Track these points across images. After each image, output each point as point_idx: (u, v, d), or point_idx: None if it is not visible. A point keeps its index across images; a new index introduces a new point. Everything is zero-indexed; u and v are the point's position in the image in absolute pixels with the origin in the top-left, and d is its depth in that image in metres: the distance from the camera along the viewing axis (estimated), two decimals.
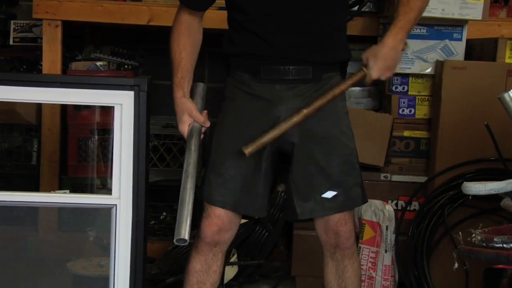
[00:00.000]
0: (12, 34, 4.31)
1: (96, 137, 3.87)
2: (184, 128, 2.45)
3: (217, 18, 3.06)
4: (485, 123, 2.99)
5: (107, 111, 3.75)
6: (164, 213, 3.90)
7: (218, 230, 2.45)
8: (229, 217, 2.45)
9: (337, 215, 2.44)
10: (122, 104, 2.36)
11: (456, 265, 2.84)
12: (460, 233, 2.47)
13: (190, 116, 2.45)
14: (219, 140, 2.48)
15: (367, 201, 2.57)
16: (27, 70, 4.04)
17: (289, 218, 2.64)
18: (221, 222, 2.44)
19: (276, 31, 2.38)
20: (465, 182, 2.59)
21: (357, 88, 3.71)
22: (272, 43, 2.38)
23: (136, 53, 4.19)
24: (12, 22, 4.36)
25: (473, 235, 2.16)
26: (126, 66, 3.98)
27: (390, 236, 3.31)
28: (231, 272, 3.33)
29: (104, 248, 2.60)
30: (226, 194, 2.43)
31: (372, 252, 3.32)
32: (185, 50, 2.48)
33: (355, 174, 2.47)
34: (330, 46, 2.44)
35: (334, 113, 2.46)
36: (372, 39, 3.63)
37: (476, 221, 3.15)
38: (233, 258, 3.34)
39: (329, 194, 2.42)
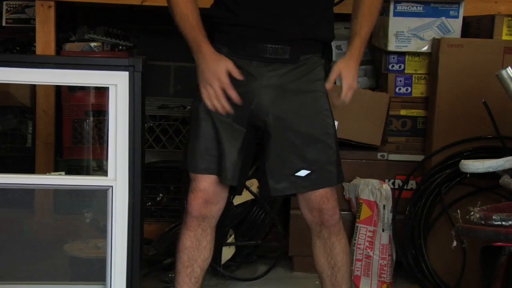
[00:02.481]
0: (4, 15, 4.28)
1: (91, 118, 3.86)
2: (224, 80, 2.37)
3: None
4: (483, 100, 2.98)
5: (102, 93, 3.74)
6: (161, 195, 3.90)
7: (204, 203, 2.46)
8: (214, 189, 2.46)
9: (319, 192, 2.45)
10: (117, 84, 2.36)
11: (455, 243, 2.84)
12: (458, 211, 2.46)
13: (229, 71, 2.38)
14: (196, 110, 2.47)
15: (343, 180, 2.58)
16: (20, 51, 4.02)
17: (263, 194, 2.65)
18: (207, 194, 2.46)
19: (256, 8, 2.37)
20: (462, 160, 2.58)
21: None
22: (251, 20, 2.38)
23: (130, 34, 4.16)
24: (4, 3, 4.33)
25: (472, 213, 2.15)
26: (120, 47, 3.96)
27: (387, 215, 3.31)
28: (228, 252, 3.34)
29: (101, 230, 2.59)
30: (208, 160, 2.43)
31: (370, 231, 3.32)
32: (196, 11, 2.41)
33: (330, 153, 2.46)
34: (311, 26, 2.42)
35: (311, 93, 2.45)
36: None
37: (473, 199, 3.15)
38: (231, 239, 3.34)
39: (303, 173, 2.42)
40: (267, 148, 2.42)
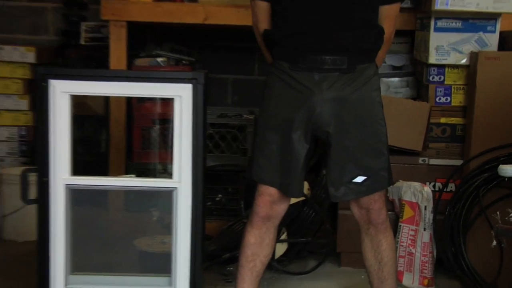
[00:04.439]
0: (83, 35, 4.37)
1: (158, 126, 3.89)
2: None
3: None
4: None
5: (167, 103, 3.76)
6: (220, 195, 3.91)
7: (270, 205, 2.48)
8: (279, 193, 2.47)
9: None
10: (182, 96, 2.37)
11: (494, 243, 2.79)
12: (497, 212, 2.42)
13: None
14: (262, 125, 2.48)
15: (392, 183, 2.61)
16: (96, 66, 4.08)
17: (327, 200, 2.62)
18: (272, 198, 2.48)
19: (313, 23, 2.36)
20: (501, 165, 2.54)
21: (396, 79, 3.67)
22: (309, 34, 2.37)
23: (192, 50, 4.19)
24: (83, 23, 4.42)
25: (510, 214, 2.11)
26: (183, 61, 3.99)
27: (428, 216, 3.27)
28: (281, 248, 3.33)
29: (166, 227, 2.60)
30: (272, 174, 2.44)
31: (412, 230, 3.28)
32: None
33: (383, 160, 2.45)
34: (364, 35, 2.41)
35: (368, 104, 2.44)
36: (410, 33, 3.58)
37: (510, 201, 3.09)
38: (283, 236, 3.33)
39: (359, 179, 2.42)
40: (328, 157, 2.41)
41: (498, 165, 3.07)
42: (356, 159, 2.40)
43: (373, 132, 2.43)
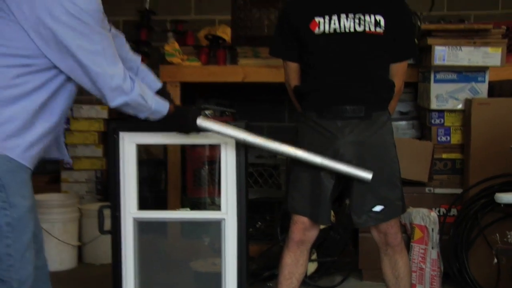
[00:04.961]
0: None
1: (207, 166, 3.88)
2: None
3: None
4: (511, 146, 2.87)
5: (213, 147, 3.77)
6: (259, 222, 3.88)
7: (303, 231, 2.45)
8: (310, 221, 2.44)
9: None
10: (227, 142, 2.36)
11: (495, 260, 2.71)
12: (497, 234, 2.36)
13: None
14: (294, 165, 2.47)
15: (405, 211, 2.56)
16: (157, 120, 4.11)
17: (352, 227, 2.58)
18: (304, 225, 2.45)
19: (335, 79, 2.37)
20: (497, 193, 2.49)
21: (403, 122, 3.63)
22: (332, 89, 2.37)
23: (234, 102, 4.21)
24: None
25: (508, 236, 2.05)
26: (227, 113, 4.00)
27: (435, 236, 3.20)
28: (312, 267, 3.29)
29: (216, 251, 2.58)
30: (304, 205, 2.41)
31: (421, 249, 3.21)
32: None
33: (397, 191, 2.43)
34: (378, 88, 2.40)
35: (384, 145, 2.42)
36: (413, 84, 3.55)
37: (504, 223, 3.02)
38: (314, 256, 3.29)
39: (378, 208, 2.39)
40: (351, 190, 2.38)
41: (493, 193, 3.02)
42: (374, 191, 2.37)
43: (388, 169, 2.40)
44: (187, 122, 2.19)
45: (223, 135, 2.29)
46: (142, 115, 2.10)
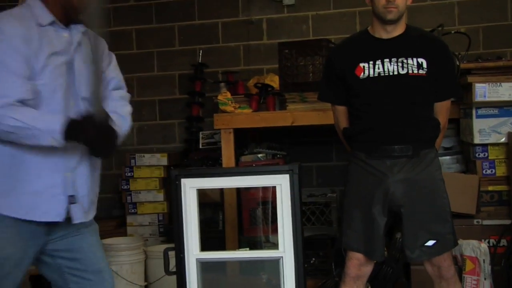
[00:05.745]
0: (200, 141, 4.48)
1: (261, 207, 3.87)
2: None
3: None
4: None
5: (267, 188, 3.76)
6: (313, 258, 3.82)
7: (358, 267, 2.42)
8: (365, 257, 2.41)
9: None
10: (281, 184, 2.37)
11: None
12: None
13: None
14: (347, 204, 2.45)
15: (457, 244, 2.51)
16: (212, 164, 4.15)
17: (405, 260, 2.53)
18: (360, 261, 2.42)
19: (382, 120, 2.36)
20: None
21: (448, 157, 3.55)
22: (379, 130, 2.36)
23: (284, 145, 4.21)
24: (200, 132, 4.54)
25: None
26: (278, 155, 4.01)
27: (487, 267, 3.07)
28: None
29: (274, 287, 2.55)
30: (358, 242, 2.37)
31: (474, 280, 3.09)
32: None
33: (448, 226, 2.38)
34: (424, 127, 2.37)
35: (432, 182, 2.39)
36: (455, 120, 3.49)
37: None
38: None
39: (430, 243, 2.34)
40: (403, 226, 2.34)
41: None
42: (426, 227, 2.32)
43: (438, 204, 2.36)
44: (110, 144, 1.91)
45: None
46: (30, 142, 1.82)
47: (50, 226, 1.95)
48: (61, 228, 1.99)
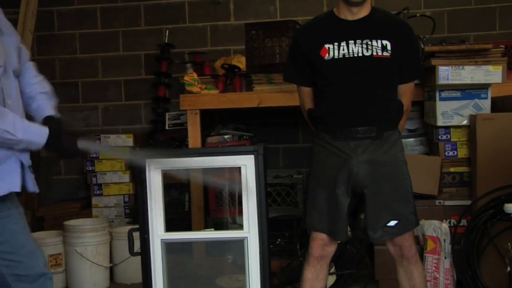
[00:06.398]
0: (167, 122, 4.44)
1: (227, 188, 3.87)
2: None
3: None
4: None
5: (233, 170, 3.75)
6: (279, 239, 3.85)
7: (322, 247, 2.44)
8: (328, 238, 2.43)
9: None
10: (247, 164, 2.36)
11: (509, 268, 2.66)
12: (509, 243, 2.32)
13: None
14: (311, 185, 2.46)
15: (419, 225, 2.53)
16: (178, 146, 4.12)
17: (368, 240, 2.59)
18: (323, 241, 2.44)
19: (346, 102, 2.36)
20: (505, 204, 2.44)
21: (412, 139, 3.60)
22: (344, 111, 2.36)
23: (250, 127, 4.21)
24: (166, 113, 4.50)
25: None
26: (244, 137, 4.01)
27: (447, 246, 3.15)
28: (331, 280, 3.25)
29: (240, 267, 2.56)
30: (322, 222, 2.39)
31: (435, 259, 3.16)
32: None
33: (410, 206, 2.41)
34: (388, 109, 2.38)
35: (395, 163, 2.40)
36: (419, 102, 3.53)
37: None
38: (332, 269, 3.25)
39: (392, 223, 2.37)
40: (366, 207, 2.37)
41: (500, 203, 2.99)
42: (388, 207, 2.35)
43: (401, 185, 2.38)
44: (67, 147, 1.98)
45: (105, 153, 2.17)
46: (17, 148, 1.91)
47: None
48: None
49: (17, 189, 1.94)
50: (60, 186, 4.80)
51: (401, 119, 2.47)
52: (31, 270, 2.02)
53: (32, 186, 2.01)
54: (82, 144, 2.03)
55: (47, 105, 2.11)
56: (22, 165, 1.96)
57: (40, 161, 4.46)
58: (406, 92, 2.46)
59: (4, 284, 2.01)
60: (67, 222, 3.80)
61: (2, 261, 1.98)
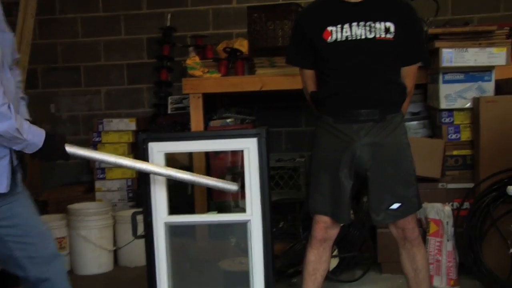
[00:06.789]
0: (169, 106, 4.43)
1: (230, 172, 3.87)
2: None
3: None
4: None
5: (236, 153, 3.75)
6: (282, 222, 3.86)
7: (325, 230, 2.44)
8: (331, 220, 2.43)
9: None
10: (249, 147, 2.36)
11: (511, 250, 2.67)
12: (511, 226, 2.32)
13: None
14: (314, 168, 2.46)
15: (421, 207, 2.52)
16: (181, 129, 4.12)
17: (370, 223, 2.57)
18: (326, 224, 2.44)
19: (349, 85, 2.35)
20: (508, 187, 2.44)
21: (415, 122, 3.59)
22: (346, 94, 2.35)
23: (253, 110, 4.20)
24: (169, 97, 4.49)
25: None
26: (247, 120, 4.00)
27: (450, 229, 3.16)
28: (334, 262, 3.26)
29: (243, 250, 2.57)
30: (325, 205, 2.39)
31: (437, 241, 3.17)
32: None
33: (413, 189, 2.40)
34: (391, 92, 2.37)
35: (398, 146, 2.39)
36: (423, 85, 3.52)
37: None
38: (335, 252, 3.26)
39: (395, 206, 2.36)
40: (368, 190, 2.36)
41: (503, 186, 2.98)
42: (391, 190, 2.35)
43: (404, 168, 2.38)
44: (57, 150, 1.97)
45: (91, 159, 2.17)
46: (16, 147, 1.89)
47: None
48: None
49: (4, 190, 1.90)
50: (63, 170, 4.81)
51: (404, 101, 2.46)
52: (44, 251, 2.04)
53: (19, 186, 1.99)
54: (71, 148, 2.02)
55: (26, 111, 2.09)
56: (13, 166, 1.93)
57: None
58: (409, 74, 2.45)
59: (19, 267, 2.03)
60: (70, 206, 3.81)
61: (15, 244, 1.99)
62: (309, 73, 2.49)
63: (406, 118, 3.51)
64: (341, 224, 2.50)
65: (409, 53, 2.41)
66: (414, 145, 2.51)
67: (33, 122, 1.99)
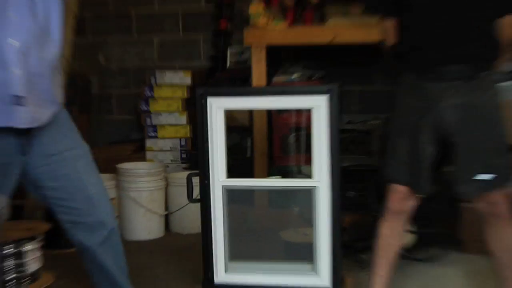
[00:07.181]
0: (228, 59, 4.45)
1: (293, 134, 3.88)
2: None
3: None
4: None
5: (300, 113, 3.74)
6: (351, 192, 3.84)
7: (401, 201, 2.42)
8: (409, 190, 2.41)
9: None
10: (320, 106, 2.35)
11: None
12: None
13: None
14: (392, 131, 2.43)
15: None
16: (240, 85, 4.13)
17: (453, 196, 2.52)
18: (403, 194, 2.41)
19: (436, 36, 2.28)
20: None
21: (510, 82, 3.46)
22: (434, 47, 2.29)
23: (322, 66, 4.16)
24: (228, 49, 4.50)
25: None
26: (315, 76, 3.97)
27: None
28: (410, 239, 3.23)
29: (307, 221, 2.58)
30: (402, 173, 2.38)
31: None
32: None
33: (505, 159, 2.32)
34: (483, 48, 2.29)
35: (490, 108, 2.31)
36: None
37: None
38: (412, 228, 3.22)
39: (486, 176, 2.29)
40: (455, 157, 2.32)
41: None
42: (482, 158, 2.29)
43: (496, 134, 2.31)
44: None
45: None
46: None
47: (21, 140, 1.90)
48: (36, 146, 1.96)
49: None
50: (112, 127, 4.94)
51: (497, 58, 2.37)
52: (88, 217, 2.09)
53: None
54: None
55: (58, 90, 2.10)
56: None
57: (91, 100, 4.59)
58: (504, 27, 2.35)
59: (64, 230, 2.12)
60: (120, 165, 3.91)
61: (58, 207, 2.08)
62: (391, 23, 2.43)
63: (499, 78, 3.40)
64: (420, 196, 2.47)
65: (504, 3, 2.31)
66: (508, 110, 2.42)
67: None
